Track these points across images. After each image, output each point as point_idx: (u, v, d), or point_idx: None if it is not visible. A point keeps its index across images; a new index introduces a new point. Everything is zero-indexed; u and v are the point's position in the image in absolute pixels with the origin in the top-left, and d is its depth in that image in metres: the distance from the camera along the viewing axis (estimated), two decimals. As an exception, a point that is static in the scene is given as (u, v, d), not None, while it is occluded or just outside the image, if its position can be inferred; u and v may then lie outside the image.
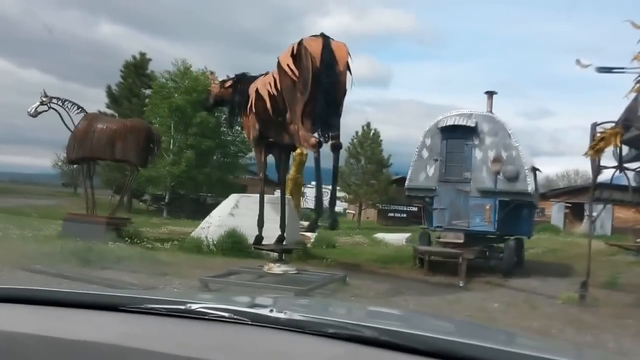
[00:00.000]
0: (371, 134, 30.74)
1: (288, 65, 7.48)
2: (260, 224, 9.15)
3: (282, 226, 9.36)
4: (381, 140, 30.92)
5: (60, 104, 13.41)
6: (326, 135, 7.69)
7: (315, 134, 7.53)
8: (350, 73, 7.58)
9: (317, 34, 7.70)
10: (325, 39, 7.41)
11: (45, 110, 13.22)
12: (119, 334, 1.17)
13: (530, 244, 15.31)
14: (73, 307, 1.36)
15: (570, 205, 35.98)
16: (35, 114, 13.15)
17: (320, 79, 7.21)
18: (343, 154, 30.68)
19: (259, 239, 9.10)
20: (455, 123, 11.87)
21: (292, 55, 7.45)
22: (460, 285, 9.90)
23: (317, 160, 8.14)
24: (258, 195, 9.66)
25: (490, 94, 12.88)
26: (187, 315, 1.27)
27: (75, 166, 17.43)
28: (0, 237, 11.89)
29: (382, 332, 1.15)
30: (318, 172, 8.41)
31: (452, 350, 1.09)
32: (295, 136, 7.94)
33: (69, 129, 13.44)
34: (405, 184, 12.74)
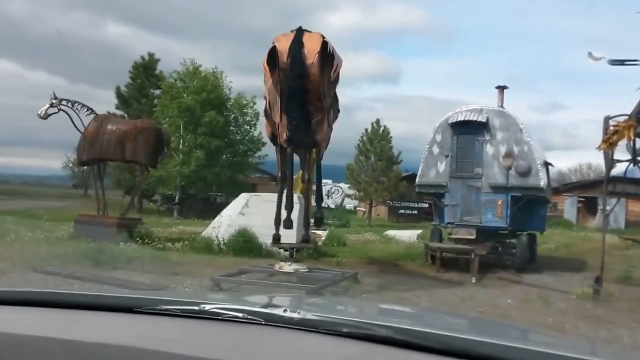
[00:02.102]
0: (381, 130, 30.53)
1: (264, 65, 7.54)
2: (277, 222, 9.05)
3: (306, 226, 9.41)
4: (391, 137, 30.71)
5: (70, 106, 13.49)
6: (304, 130, 7.72)
7: (292, 129, 7.54)
8: (330, 62, 7.47)
9: (322, 30, 7.68)
10: (297, 33, 7.36)
11: (55, 113, 13.29)
12: (134, 336, 1.18)
13: (543, 239, 15.18)
14: (88, 310, 1.36)
15: (583, 199, 35.70)
16: (45, 116, 13.22)
17: (288, 74, 7.20)
18: (353, 151, 30.66)
19: (276, 237, 9.02)
20: (466, 118, 11.78)
21: (268, 55, 7.47)
22: (473, 281, 9.84)
23: (290, 155, 8.13)
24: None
25: (501, 88, 12.76)
26: (201, 316, 1.27)
27: (85, 167, 17.54)
28: (12, 239, 11.98)
29: (396, 330, 1.15)
30: (290, 168, 8.41)
31: (466, 348, 1.08)
32: (279, 133, 7.99)
33: (79, 130, 13.52)
34: (416, 181, 12.67)
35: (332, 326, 1.18)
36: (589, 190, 34.32)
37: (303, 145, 8.62)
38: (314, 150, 9.76)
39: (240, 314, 1.24)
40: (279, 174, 9.61)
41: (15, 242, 11.58)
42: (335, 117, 9.53)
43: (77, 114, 13.56)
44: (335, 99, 9.00)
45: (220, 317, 1.24)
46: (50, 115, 13.29)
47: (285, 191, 8.68)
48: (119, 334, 1.20)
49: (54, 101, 13.30)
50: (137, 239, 12.36)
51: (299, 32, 7.35)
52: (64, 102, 13.44)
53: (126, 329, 1.26)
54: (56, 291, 1.60)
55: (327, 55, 7.46)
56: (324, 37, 7.49)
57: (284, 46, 7.24)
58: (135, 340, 1.14)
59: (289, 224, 8.36)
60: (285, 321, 1.21)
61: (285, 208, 8.32)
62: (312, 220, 9.12)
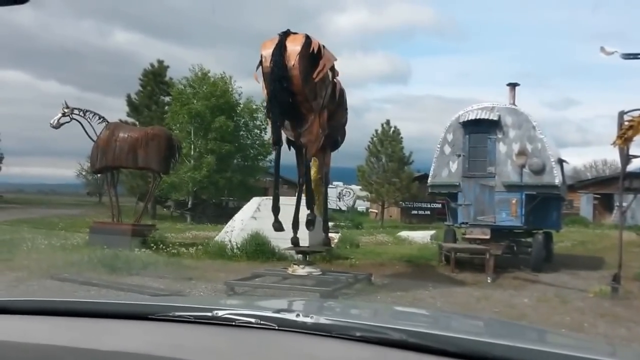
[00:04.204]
0: (391, 131, 30.42)
1: (255, 73, 7.62)
2: (295, 226, 8.85)
3: (326, 229, 9.29)
4: (401, 138, 30.60)
5: (82, 115, 13.62)
6: (294, 132, 7.78)
7: (276, 133, 7.59)
8: (316, 61, 7.46)
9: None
10: (281, 36, 7.36)
11: (68, 122, 13.43)
12: (149, 343, 1.19)
13: (559, 237, 15.01)
14: (102, 317, 1.37)
15: (599, 196, 35.25)
16: (58, 126, 13.36)
17: (271, 78, 7.23)
18: (363, 152, 30.58)
19: (294, 240, 8.90)
20: (477, 117, 11.67)
21: (259, 62, 7.51)
22: (488, 281, 9.74)
23: (277, 157, 8.20)
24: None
25: (512, 85, 12.64)
26: (214, 322, 1.27)
27: (99, 175, 17.69)
28: (29, 247, 12.12)
29: (410, 334, 1.14)
30: (277, 170, 8.43)
31: (481, 350, 1.07)
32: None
33: (91, 139, 13.65)
34: (428, 181, 12.58)
35: (345, 330, 1.17)
36: (605, 187, 33.89)
37: (295, 147, 8.59)
38: (324, 152, 9.73)
39: (253, 320, 1.24)
40: (299, 178, 9.61)
41: (32, 251, 11.70)
42: (344, 116, 9.47)
43: (89, 122, 13.68)
44: (340, 99, 8.89)
45: (233, 323, 1.25)
46: (62, 124, 13.42)
47: (298, 194, 8.66)
48: (133, 342, 1.20)
49: (65, 110, 13.43)
50: (152, 244, 12.45)
51: (283, 36, 7.37)
52: (75, 111, 13.57)
53: (140, 336, 1.26)
54: (69, 300, 1.62)
55: (312, 55, 7.44)
56: (308, 38, 7.46)
57: (267, 52, 7.28)
58: (149, 347, 1.15)
59: (277, 227, 8.25)
60: (298, 326, 1.20)
61: (272, 211, 8.27)
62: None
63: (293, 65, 7.17)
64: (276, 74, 7.16)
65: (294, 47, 7.24)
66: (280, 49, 7.19)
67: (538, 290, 8.90)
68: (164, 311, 1.34)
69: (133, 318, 1.35)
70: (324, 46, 7.64)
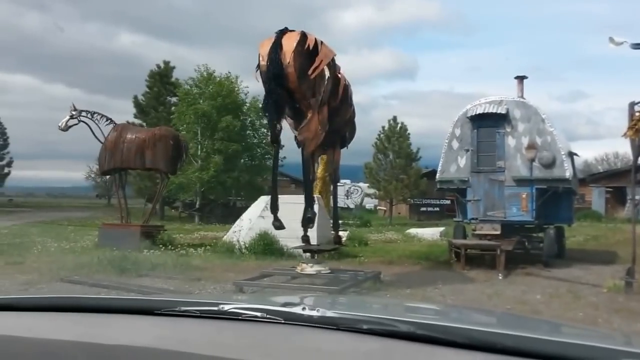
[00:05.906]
0: (398, 127, 30.32)
1: (255, 70, 7.63)
2: (305, 224, 8.70)
3: (336, 227, 9.19)
4: (409, 134, 30.48)
5: (90, 117, 13.71)
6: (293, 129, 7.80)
7: (272, 130, 7.60)
8: (313, 56, 7.41)
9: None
10: (277, 35, 7.35)
11: (76, 124, 13.51)
12: (155, 337, 1.19)
13: (571, 231, 14.88)
14: (109, 313, 1.37)
15: (611, 189, 34.98)
16: (66, 128, 13.45)
17: (267, 76, 7.22)
18: (370, 149, 30.48)
19: (305, 238, 8.79)
20: (485, 111, 11.57)
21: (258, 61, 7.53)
22: (500, 278, 9.64)
23: (274, 156, 8.14)
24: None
25: (520, 78, 12.52)
26: (220, 316, 1.26)
27: (107, 177, 17.80)
28: (39, 250, 12.18)
29: (418, 326, 1.12)
30: (275, 168, 8.39)
31: (492, 341, 1.04)
32: None
33: (99, 140, 13.71)
34: (437, 177, 12.48)
35: (352, 323, 1.16)
36: (617, 180, 33.60)
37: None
38: (334, 149, 9.66)
39: (259, 314, 1.23)
40: (312, 178, 9.57)
41: (42, 253, 11.76)
42: (350, 111, 9.39)
43: (96, 124, 13.77)
44: (344, 94, 8.81)
45: (240, 317, 1.24)
46: (70, 126, 13.52)
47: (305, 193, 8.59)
48: (139, 336, 1.20)
49: (73, 113, 13.52)
50: (160, 245, 12.51)
51: (279, 34, 7.36)
52: (83, 114, 13.66)
53: (146, 330, 1.26)
54: (75, 296, 1.64)
55: (309, 52, 7.40)
56: (304, 35, 7.43)
57: (265, 50, 7.28)
58: (155, 342, 1.14)
59: (277, 226, 8.17)
60: (305, 319, 1.19)
61: (271, 209, 8.20)
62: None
63: (289, 63, 7.16)
64: (272, 72, 7.17)
65: (290, 45, 7.22)
66: (276, 47, 7.19)
67: (551, 286, 8.81)
68: (169, 306, 1.34)
69: (139, 313, 1.35)
70: (322, 42, 7.59)
